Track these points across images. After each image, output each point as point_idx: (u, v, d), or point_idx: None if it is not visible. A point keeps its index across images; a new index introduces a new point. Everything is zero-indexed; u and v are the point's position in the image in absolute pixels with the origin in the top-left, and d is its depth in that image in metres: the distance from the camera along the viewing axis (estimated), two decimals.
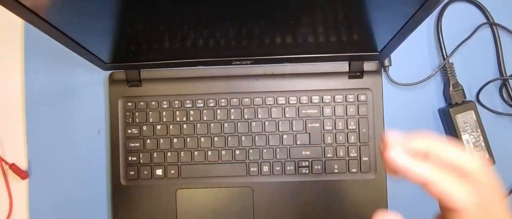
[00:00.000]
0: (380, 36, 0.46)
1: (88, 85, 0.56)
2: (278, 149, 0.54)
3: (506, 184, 0.55)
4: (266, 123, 0.54)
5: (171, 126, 0.54)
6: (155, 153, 0.54)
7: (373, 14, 0.42)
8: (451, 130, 0.53)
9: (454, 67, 0.54)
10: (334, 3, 0.41)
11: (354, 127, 0.53)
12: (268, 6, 0.41)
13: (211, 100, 0.54)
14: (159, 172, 0.54)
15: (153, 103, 0.54)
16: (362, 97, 0.53)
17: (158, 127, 0.54)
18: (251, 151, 0.54)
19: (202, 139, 0.54)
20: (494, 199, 0.29)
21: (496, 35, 0.54)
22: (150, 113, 0.54)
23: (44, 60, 0.57)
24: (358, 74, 0.53)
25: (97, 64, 0.49)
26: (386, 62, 0.54)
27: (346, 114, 0.53)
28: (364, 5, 0.42)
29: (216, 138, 0.54)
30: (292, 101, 0.54)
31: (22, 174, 0.55)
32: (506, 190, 0.54)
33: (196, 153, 0.54)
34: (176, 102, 0.54)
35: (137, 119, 0.54)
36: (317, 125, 0.54)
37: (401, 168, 0.29)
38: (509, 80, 0.54)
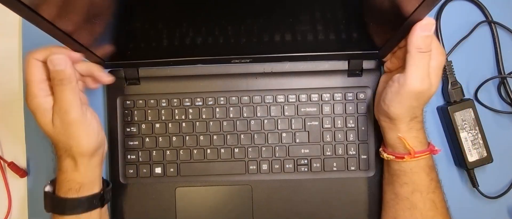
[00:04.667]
0: (379, 35, 0.46)
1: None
2: (277, 147, 0.54)
3: (504, 182, 0.55)
4: (265, 121, 0.54)
5: (170, 125, 0.54)
6: (154, 152, 0.54)
7: (372, 12, 0.42)
8: (450, 128, 0.53)
9: (452, 65, 0.54)
10: (333, 2, 0.41)
11: (353, 125, 0.53)
12: (267, 4, 0.41)
13: (210, 99, 0.54)
14: (158, 170, 0.54)
15: (152, 101, 0.54)
16: (361, 95, 0.53)
17: (157, 125, 0.54)
18: (250, 149, 0.54)
19: (201, 137, 0.54)
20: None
21: (495, 33, 0.55)
22: (149, 111, 0.54)
23: None
24: (357, 72, 0.53)
25: (95, 62, 0.49)
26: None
27: (345, 112, 0.53)
28: (363, 3, 0.42)
29: (215, 136, 0.54)
30: (291, 99, 0.54)
31: (21, 173, 0.55)
32: (504, 187, 0.55)
33: (195, 151, 0.54)
34: (175, 100, 0.54)
35: (135, 118, 0.54)
36: (316, 123, 0.54)
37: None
38: (508, 78, 0.54)
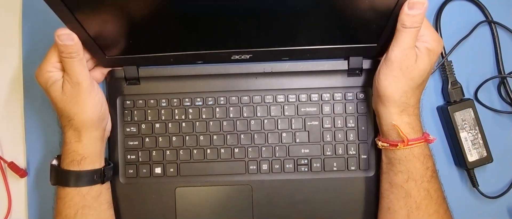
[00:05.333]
0: (375, 26, 0.46)
1: None
2: (277, 147, 0.54)
3: (504, 181, 0.55)
4: (265, 121, 0.54)
5: (169, 124, 0.54)
6: (154, 152, 0.54)
7: (364, 4, 0.42)
8: (450, 128, 0.53)
9: (452, 65, 0.54)
10: None
11: (353, 125, 0.53)
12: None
13: (210, 98, 0.54)
14: (158, 170, 0.54)
15: (152, 101, 0.54)
16: (361, 95, 0.53)
17: (157, 125, 0.54)
18: (250, 149, 0.54)
19: (201, 137, 0.54)
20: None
21: (495, 33, 0.55)
22: (149, 111, 0.54)
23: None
24: (357, 72, 0.53)
25: (96, 56, 0.49)
26: None
27: (345, 112, 0.53)
28: None
29: (215, 136, 0.54)
30: (291, 99, 0.54)
31: (21, 173, 0.55)
32: (504, 187, 0.55)
33: (195, 151, 0.54)
34: (175, 100, 0.54)
35: (135, 118, 0.54)
36: (316, 123, 0.54)
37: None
38: (508, 78, 0.54)
